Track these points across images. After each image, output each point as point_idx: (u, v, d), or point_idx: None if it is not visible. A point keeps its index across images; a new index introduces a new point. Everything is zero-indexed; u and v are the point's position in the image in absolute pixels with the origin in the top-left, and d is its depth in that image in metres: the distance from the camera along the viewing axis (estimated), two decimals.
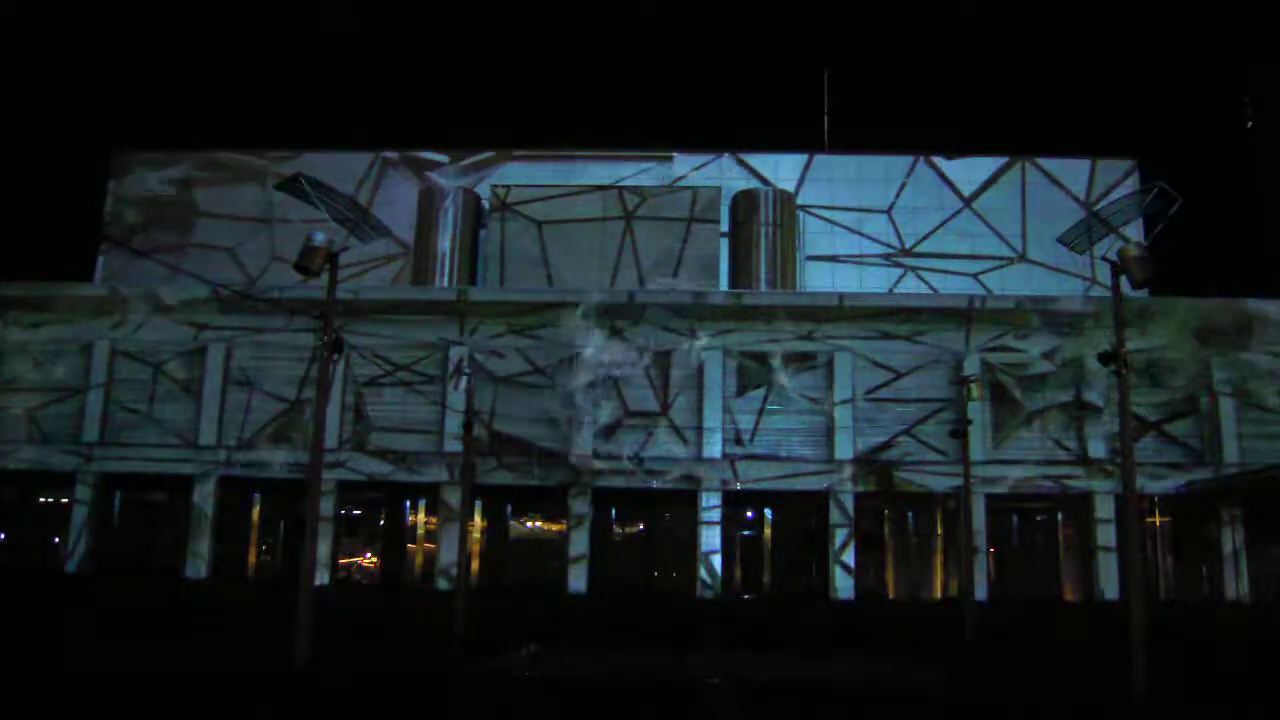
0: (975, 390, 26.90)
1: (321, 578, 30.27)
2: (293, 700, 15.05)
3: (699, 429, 34.08)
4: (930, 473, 33.33)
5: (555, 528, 35.03)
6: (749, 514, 35.65)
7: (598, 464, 33.46)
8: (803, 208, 43.05)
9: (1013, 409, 34.10)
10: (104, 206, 45.29)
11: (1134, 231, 33.35)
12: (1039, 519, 35.82)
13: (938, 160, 44.39)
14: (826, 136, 46.60)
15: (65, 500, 34.73)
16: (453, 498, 32.91)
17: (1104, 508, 32.88)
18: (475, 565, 33.89)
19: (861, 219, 43.66)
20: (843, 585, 32.90)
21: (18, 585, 30.93)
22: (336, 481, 33.43)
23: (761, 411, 34.49)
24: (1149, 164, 44.45)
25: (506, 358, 34.95)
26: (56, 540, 34.79)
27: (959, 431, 27.21)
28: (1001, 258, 43.14)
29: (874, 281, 42.59)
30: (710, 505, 33.60)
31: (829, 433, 34.11)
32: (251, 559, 35.44)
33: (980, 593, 29.95)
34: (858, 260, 43.35)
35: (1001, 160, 44.49)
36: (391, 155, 44.99)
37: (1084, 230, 17.72)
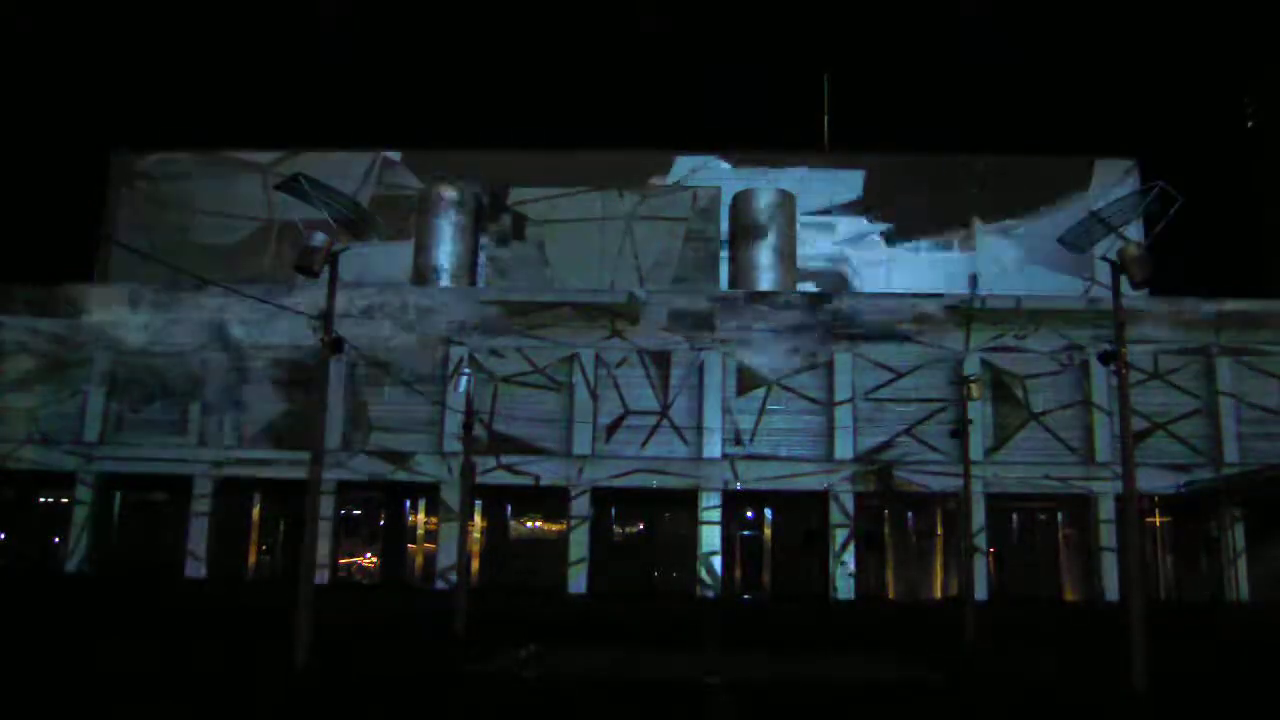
0: (975, 390, 26.84)
1: (321, 577, 30.21)
2: (293, 700, 15.04)
3: (699, 429, 34.04)
4: (930, 473, 33.29)
5: (555, 528, 35.01)
6: (749, 514, 35.62)
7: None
8: (803, 208, 43.03)
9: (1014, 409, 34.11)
10: (104, 206, 45.31)
11: (1134, 232, 33.33)
12: (1039, 519, 35.79)
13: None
14: (826, 137, 46.65)
15: (65, 500, 34.73)
16: (452, 498, 32.89)
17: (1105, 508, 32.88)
18: (475, 565, 33.87)
19: (860, 219, 43.67)
20: (843, 585, 32.88)
21: (18, 585, 30.97)
22: (336, 481, 33.38)
23: (761, 411, 34.46)
24: (1149, 164, 44.54)
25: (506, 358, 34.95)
26: (57, 540, 34.77)
27: (959, 431, 27.20)
28: (1001, 258, 43.20)
29: (874, 281, 42.62)
30: (710, 505, 33.57)
31: (829, 433, 34.08)
32: (251, 559, 35.41)
33: (980, 593, 29.95)
34: (857, 260, 43.39)
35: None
36: (392, 155, 44.98)
37: (1084, 230, 17.69)
